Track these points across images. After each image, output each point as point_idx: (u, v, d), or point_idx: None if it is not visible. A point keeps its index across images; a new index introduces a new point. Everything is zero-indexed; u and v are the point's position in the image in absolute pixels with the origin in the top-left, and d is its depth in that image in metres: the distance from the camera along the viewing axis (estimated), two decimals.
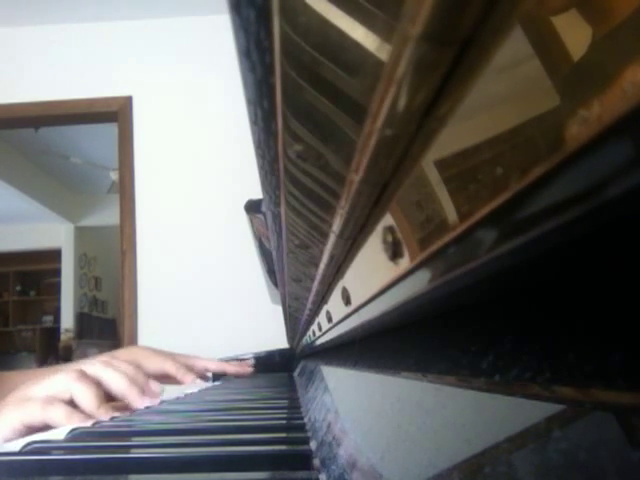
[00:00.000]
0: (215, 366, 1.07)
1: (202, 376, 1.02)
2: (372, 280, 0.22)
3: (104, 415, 0.59)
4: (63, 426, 0.55)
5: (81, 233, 5.70)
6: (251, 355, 1.31)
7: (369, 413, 0.29)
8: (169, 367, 0.86)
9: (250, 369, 1.19)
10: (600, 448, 0.09)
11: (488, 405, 0.14)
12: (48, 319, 6.36)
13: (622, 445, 0.09)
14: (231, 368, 1.13)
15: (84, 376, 0.63)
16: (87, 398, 0.61)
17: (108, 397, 0.66)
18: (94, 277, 6.10)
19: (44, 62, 2.53)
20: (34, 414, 0.57)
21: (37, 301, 6.53)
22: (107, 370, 0.67)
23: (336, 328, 0.43)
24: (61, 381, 0.61)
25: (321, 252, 0.29)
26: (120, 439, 0.45)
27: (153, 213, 2.43)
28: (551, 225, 0.09)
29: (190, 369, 0.92)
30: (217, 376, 1.16)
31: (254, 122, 0.18)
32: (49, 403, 0.58)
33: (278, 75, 0.14)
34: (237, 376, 1.16)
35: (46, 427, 0.57)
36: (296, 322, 0.83)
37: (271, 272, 1.16)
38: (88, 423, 0.53)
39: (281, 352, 1.35)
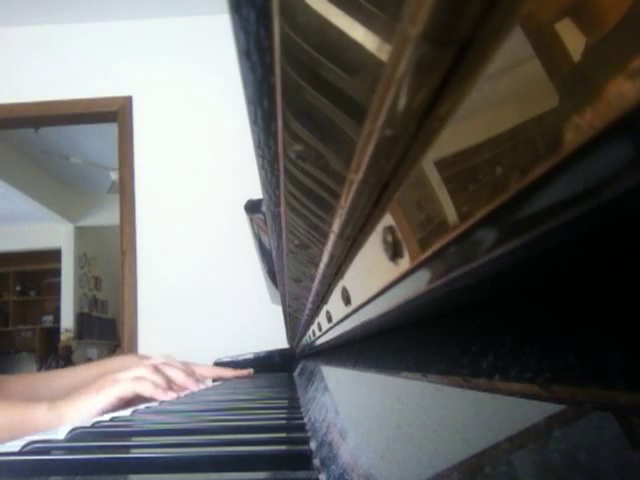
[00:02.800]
0: (211, 373, 1.10)
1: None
2: (372, 280, 0.22)
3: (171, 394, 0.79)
4: (150, 397, 0.74)
5: (81, 233, 5.70)
6: (252, 355, 1.31)
7: (369, 413, 0.29)
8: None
9: (247, 372, 1.20)
10: (600, 448, 0.09)
11: (488, 405, 0.14)
12: (48, 319, 6.35)
13: (622, 445, 0.09)
14: (227, 374, 1.14)
15: (156, 369, 0.83)
16: (164, 379, 0.81)
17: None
18: (94, 277, 6.09)
19: (44, 62, 2.53)
20: (127, 388, 0.74)
21: (37, 301, 6.53)
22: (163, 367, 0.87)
23: (336, 328, 0.43)
24: (141, 371, 0.80)
25: (321, 252, 0.29)
26: (120, 439, 0.45)
27: (153, 213, 2.43)
28: (551, 225, 0.09)
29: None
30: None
31: (254, 122, 0.18)
32: (138, 380, 0.76)
33: (278, 75, 0.14)
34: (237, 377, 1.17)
35: (136, 400, 0.74)
36: (296, 322, 0.83)
37: (271, 272, 1.15)
38: (168, 397, 0.74)
39: (281, 352, 1.35)
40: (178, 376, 0.88)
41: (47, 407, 0.72)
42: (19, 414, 0.71)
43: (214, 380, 1.16)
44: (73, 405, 0.72)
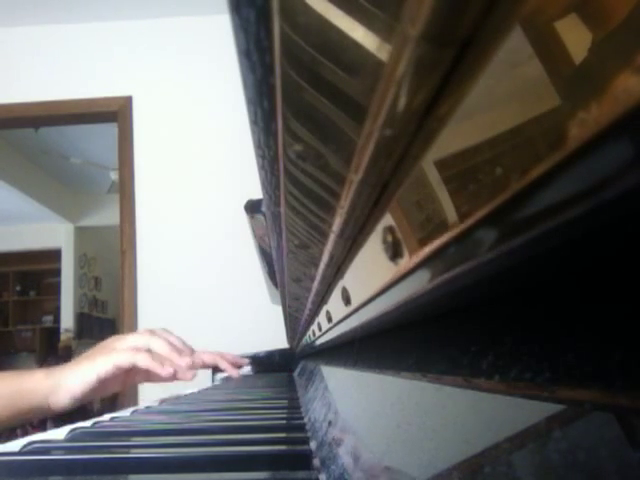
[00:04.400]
0: (209, 359, 1.09)
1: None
2: (372, 280, 0.22)
3: (177, 359, 0.79)
4: (147, 367, 0.74)
5: (81, 233, 5.70)
6: (252, 355, 1.32)
7: (369, 413, 0.29)
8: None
9: (244, 361, 1.20)
10: (600, 448, 0.09)
11: (488, 405, 0.14)
12: (48, 319, 6.35)
13: (622, 445, 0.09)
14: (223, 363, 1.13)
15: (154, 333, 0.82)
16: (162, 346, 0.80)
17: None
18: (94, 277, 6.09)
19: (44, 62, 2.53)
20: (125, 358, 0.74)
21: (37, 301, 6.52)
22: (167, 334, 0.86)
23: (336, 328, 0.43)
24: (139, 338, 0.80)
25: (321, 252, 0.29)
26: (120, 439, 0.45)
27: (153, 213, 2.43)
28: (551, 225, 0.09)
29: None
30: (216, 369, 1.16)
31: (254, 122, 0.18)
32: (136, 350, 0.76)
33: (278, 75, 0.14)
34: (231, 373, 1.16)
35: (132, 369, 0.75)
36: (296, 322, 0.83)
37: (271, 272, 1.16)
38: (164, 370, 0.75)
39: (281, 352, 1.35)
40: (164, 349, 0.83)
41: (44, 374, 0.72)
42: (16, 382, 0.71)
43: (215, 370, 1.15)
44: (71, 372, 0.72)
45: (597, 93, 0.07)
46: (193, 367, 0.87)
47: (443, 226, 0.13)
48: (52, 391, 0.70)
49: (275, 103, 0.16)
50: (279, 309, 1.13)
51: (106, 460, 0.35)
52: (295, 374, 1.20)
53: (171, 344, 0.81)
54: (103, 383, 0.73)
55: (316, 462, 0.33)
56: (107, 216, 5.22)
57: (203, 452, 0.35)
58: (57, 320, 5.93)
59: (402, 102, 0.11)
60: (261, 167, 0.23)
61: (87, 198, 5.53)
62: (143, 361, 0.75)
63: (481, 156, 0.11)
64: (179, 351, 0.82)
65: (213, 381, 1.21)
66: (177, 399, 0.80)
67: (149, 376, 0.80)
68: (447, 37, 0.09)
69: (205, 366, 1.09)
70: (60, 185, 5.14)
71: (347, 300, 0.31)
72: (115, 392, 0.82)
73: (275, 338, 1.48)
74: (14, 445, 0.41)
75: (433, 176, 0.13)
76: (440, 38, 0.09)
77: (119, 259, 2.43)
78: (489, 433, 0.14)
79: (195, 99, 2.49)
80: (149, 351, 0.78)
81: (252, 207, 1.08)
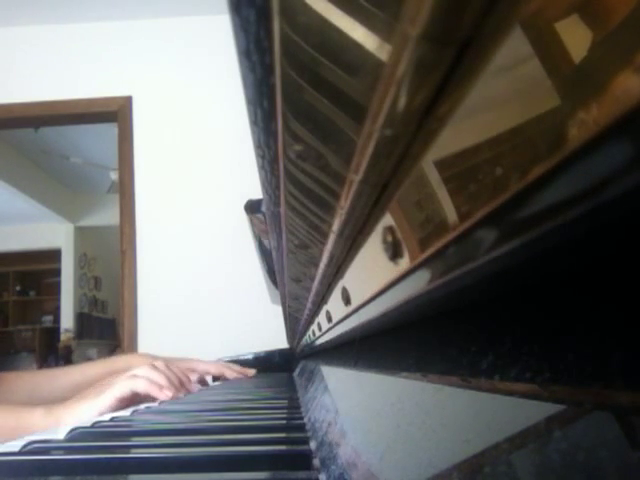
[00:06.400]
0: (215, 369, 1.10)
1: (202, 381, 1.04)
2: (372, 280, 0.22)
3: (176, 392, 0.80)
4: (147, 393, 0.75)
5: (81, 233, 5.70)
6: (252, 355, 1.32)
7: (369, 413, 0.29)
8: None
9: (251, 372, 1.21)
10: (600, 448, 0.09)
11: (488, 405, 0.14)
12: (48, 319, 6.35)
13: (622, 445, 0.09)
14: (230, 373, 1.14)
15: (155, 367, 0.83)
16: (162, 379, 0.81)
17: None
18: (94, 277, 6.10)
19: (44, 62, 2.53)
20: (124, 387, 0.75)
21: (37, 301, 6.52)
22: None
23: (336, 328, 0.43)
24: (139, 370, 0.80)
25: (321, 252, 0.29)
26: (120, 439, 0.45)
27: (153, 213, 2.43)
28: (550, 225, 0.09)
29: (190, 374, 1.03)
30: (217, 377, 1.16)
31: (254, 122, 0.18)
32: (133, 379, 0.77)
33: (278, 75, 0.14)
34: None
35: (135, 398, 0.75)
36: (296, 322, 0.83)
37: (271, 272, 1.16)
38: (163, 395, 0.77)
39: (281, 352, 1.35)
40: (163, 382, 0.85)
41: (43, 412, 0.71)
42: (14, 419, 0.70)
43: (215, 379, 1.16)
44: (72, 410, 0.72)
45: (597, 93, 0.07)
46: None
47: (443, 226, 0.13)
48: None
49: (275, 103, 0.16)
50: (279, 309, 1.13)
51: (106, 460, 0.35)
52: (295, 374, 1.20)
53: (169, 378, 0.83)
54: (119, 405, 0.74)
55: (316, 462, 0.33)
56: (107, 216, 5.22)
57: (203, 452, 0.35)
58: (57, 320, 5.93)
59: (402, 102, 0.11)
60: (261, 167, 0.23)
61: (87, 198, 5.53)
62: (142, 387, 0.76)
63: (481, 156, 0.11)
64: (179, 383, 0.84)
65: (213, 380, 1.21)
66: (177, 399, 0.80)
67: (148, 399, 0.81)
68: (447, 37, 0.09)
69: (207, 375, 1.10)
70: (60, 185, 5.14)
71: (347, 300, 0.31)
72: None
73: (275, 338, 1.48)
74: (14, 445, 0.41)
75: (433, 176, 0.13)
76: (440, 38, 0.09)
77: (119, 259, 2.43)
78: (489, 433, 0.14)
79: (195, 99, 2.49)
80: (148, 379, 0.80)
81: (252, 207, 1.09)
